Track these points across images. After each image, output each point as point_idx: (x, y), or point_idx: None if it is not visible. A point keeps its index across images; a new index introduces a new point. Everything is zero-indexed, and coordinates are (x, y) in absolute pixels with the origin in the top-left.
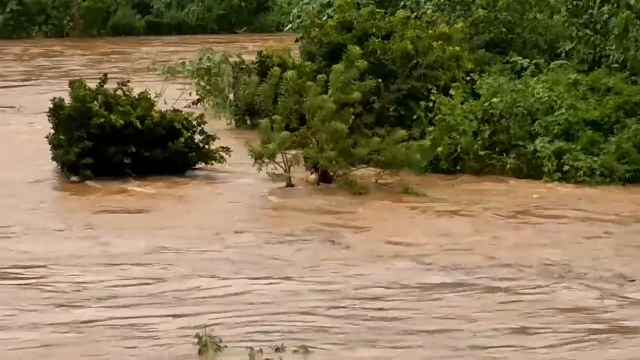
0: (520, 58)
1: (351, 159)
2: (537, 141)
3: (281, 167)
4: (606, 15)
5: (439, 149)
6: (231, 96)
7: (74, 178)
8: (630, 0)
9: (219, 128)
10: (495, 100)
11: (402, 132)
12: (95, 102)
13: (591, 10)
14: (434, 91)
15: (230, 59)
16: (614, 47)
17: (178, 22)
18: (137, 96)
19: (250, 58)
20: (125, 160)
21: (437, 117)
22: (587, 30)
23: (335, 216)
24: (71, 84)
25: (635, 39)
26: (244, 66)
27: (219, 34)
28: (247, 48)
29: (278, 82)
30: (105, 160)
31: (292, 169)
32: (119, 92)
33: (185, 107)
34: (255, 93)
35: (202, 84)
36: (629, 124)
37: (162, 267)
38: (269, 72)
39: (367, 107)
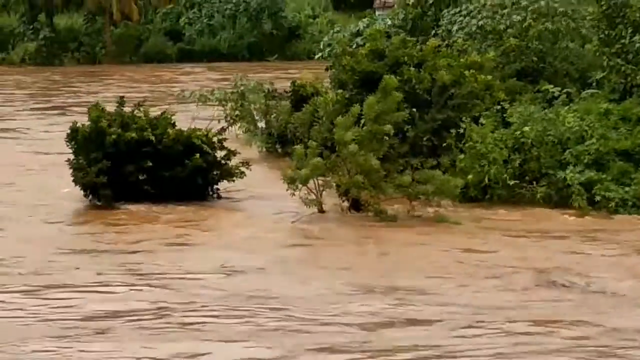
0: (552, 87)
1: (381, 192)
2: (567, 170)
3: (313, 192)
4: (638, 45)
5: (469, 176)
6: (262, 124)
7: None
8: None
9: (250, 156)
10: (526, 128)
11: (437, 173)
12: (104, 121)
13: (623, 40)
14: (466, 120)
15: (264, 86)
16: None
17: (210, 50)
18: (155, 117)
19: (282, 85)
20: (140, 177)
21: (467, 145)
22: (619, 60)
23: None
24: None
25: None
26: (276, 94)
27: (250, 61)
28: (279, 76)
29: (314, 110)
30: (125, 180)
31: (323, 194)
32: (137, 113)
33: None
34: (288, 121)
35: (233, 108)
36: None
37: None
38: (302, 101)
39: (401, 137)
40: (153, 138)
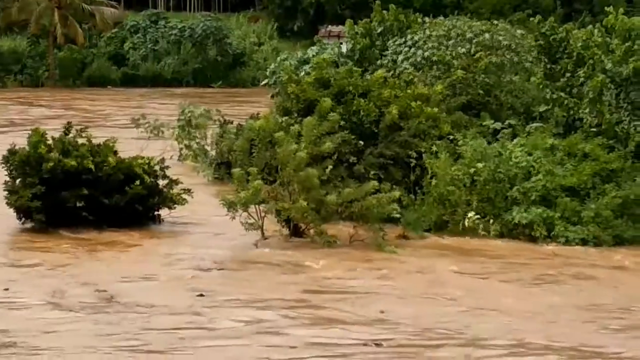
0: (492, 122)
1: (324, 210)
2: (514, 212)
3: (254, 218)
4: (582, 80)
5: (431, 217)
6: (213, 152)
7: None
8: (606, 65)
9: (198, 182)
10: (479, 165)
11: (373, 184)
12: (42, 146)
13: (568, 74)
14: (414, 156)
15: (211, 113)
16: (587, 110)
17: (154, 75)
18: (98, 143)
19: (228, 112)
20: (77, 204)
21: (427, 182)
22: (562, 94)
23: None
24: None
25: (609, 103)
26: (226, 122)
27: (194, 87)
28: (224, 102)
29: (254, 136)
30: (60, 205)
31: (266, 220)
32: (80, 140)
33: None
34: (230, 148)
35: (186, 142)
36: (607, 190)
37: None
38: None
39: (341, 160)
40: (93, 167)
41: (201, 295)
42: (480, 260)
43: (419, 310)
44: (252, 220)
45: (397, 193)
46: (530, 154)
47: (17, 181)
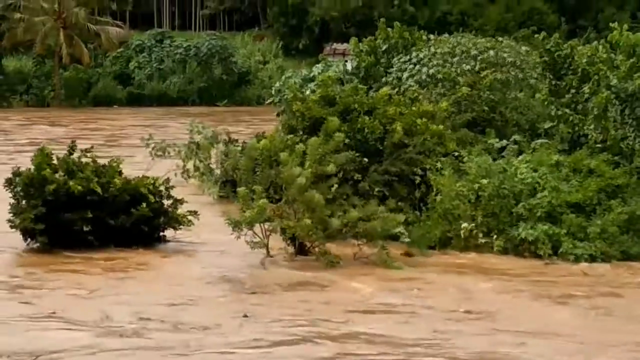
0: (497, 140)
1: (328, 230)
2: (520, 228)
3: (259, 236)
4: (586, 96)
5: (436, 233)
6: (218, 171)
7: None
8: (611, 80)
9: (204, 201)
10: (484, 181)
11: (374, 207)
12: (48, 169)
13: (573, 90)
14: (420, 173)
15: (220, 136)
16: (592, 127)
17: (159, 94)
18: (103, 164)
19: (235, 130)
20: (85, 228)
21: (432, 199)
22: (567, 110)
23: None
24: (36, 152)
25: (614, 119)
26: (232, 142)
27: (199, 106)
28: (229, 121)
29: (258, 155)
30: (64, 227)
31: (270, 238)
32: (85, 160)
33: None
34: (235, 166)
35: (192, 162)
36: (613, 206)
37: None
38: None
39: (351, 183)
40: (99, 189)
41: (245, 316)
42: (506, 279)
43: (468, 330)
44: (257, 239)
45: (401, 216)
46: (535, 170)
47: (22, 202)
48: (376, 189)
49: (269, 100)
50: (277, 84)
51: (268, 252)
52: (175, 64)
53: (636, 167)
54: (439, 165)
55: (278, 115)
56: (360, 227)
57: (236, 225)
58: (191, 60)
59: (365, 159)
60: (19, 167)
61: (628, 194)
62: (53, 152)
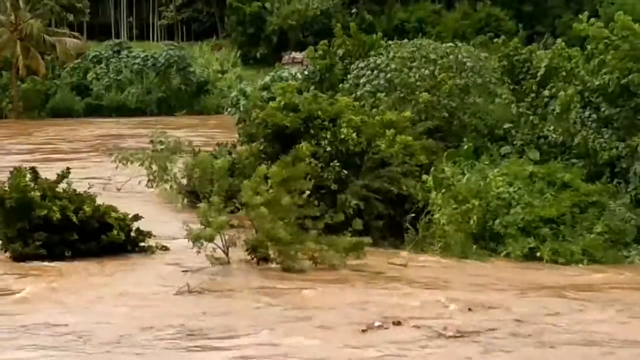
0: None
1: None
2: (508, 247)
3: (220, 248)
4: (546, 99)
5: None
6: (184, 180)
7: None
8: (581, 72)
9: (169, 208)
10: (475, 202)
11: (346, 240)
12: (35, 193)
13: (532, 95)
14: (396, 192)
15: (181, 145)
16: (552, 128)
17: (118, 105)
18: (76, 192)
19: (193, 139)
20: (66, 253)
21: (423, 224)
22: (527, 111)
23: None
24: (13, 171)
25: (574, 120)
26: (194, 150)
27: (158, 116)
28: (189, 130)
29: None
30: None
31: (230, 249)
32: (60, 186)
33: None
34: (191, 177)
35: (154, 169)
36: (587, 219)
37: None
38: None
39: (321, 187)
40: (75, 219)
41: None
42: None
43: None
44: (217, 255)
45: (368, 240)
46: (511, 184)
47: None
48: (353, 202)
49: (227, 110)
50: (233, 94)
51: (229, 262)
52: (133, 74)
53: (607, 178)
54: (429, 182)
55: (237, 123)
56: (320, 256)
57: (196, 239)
58: (149, 71)
59: (345, 171)
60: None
61: (598, 206)
62: (26, 170)
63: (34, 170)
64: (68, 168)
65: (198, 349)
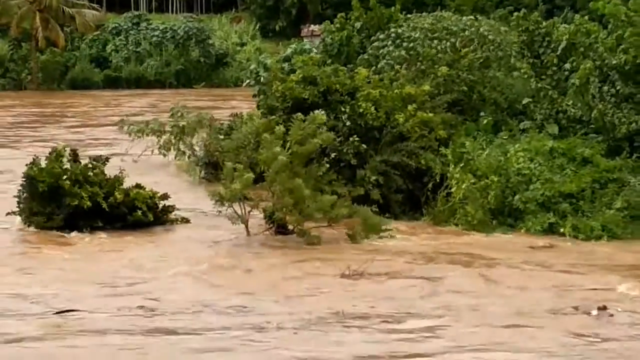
0: (512, 127)
1: (304, 212)
2: (529, 222)
3: (238, 214)
4: (567, 73)
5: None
6: (201, 153)
7: None
8: (599, 49)
9: (189, 181)
10: (494, 178)
11: (359, 208)
12: (67, 181)
13: (554, 68)
14: (414, 166)
15: (204, 120)
16: (571, 102)
17: (137, 77)
18: (108, 177)
19: (211, 112)
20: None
21: (441, 197)
22: (547, 86)
23: None
24: (52, 152)
25: (592, 95)
26: (220, 127)
27: (177, 88)
28: (207, 103)
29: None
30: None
31: (250, 217)
32: (90, 169)
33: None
34: (217, 148)
35: (174, 141)
36: (607, 194)
37: None
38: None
39: (341, 160)
40: (105, 205)
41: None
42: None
43: None
44: (239, 214)
45: (386, 221)
46: (532, 160)
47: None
48: (372, 177)
49: (246, 82)
50: (252, 66)
51: (247, 230)
52: (152, 46)
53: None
54: (449, 157)
55: (254, 96)
56: (334, 213)
57: (220, 198)
58: (168, 43)
59: (364, 145)
60: (34, 170)
61: (619, 181)
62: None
63: (74, 153)
64: (107, 158)
65: None
